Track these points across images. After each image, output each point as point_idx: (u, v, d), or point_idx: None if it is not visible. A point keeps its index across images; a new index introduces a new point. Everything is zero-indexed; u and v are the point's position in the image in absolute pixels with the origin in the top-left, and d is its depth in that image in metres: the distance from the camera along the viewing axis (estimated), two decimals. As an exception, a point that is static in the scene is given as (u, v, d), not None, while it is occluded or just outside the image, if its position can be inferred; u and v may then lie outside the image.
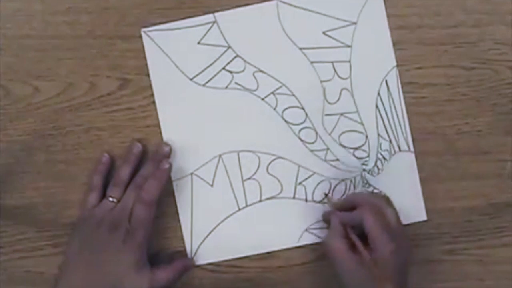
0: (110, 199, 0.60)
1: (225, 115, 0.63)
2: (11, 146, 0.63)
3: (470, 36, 0.62)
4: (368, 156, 0.63)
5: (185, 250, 0.63)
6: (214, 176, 0.63)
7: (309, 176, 0.63)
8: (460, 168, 0.63)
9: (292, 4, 0.62)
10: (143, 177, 0.60)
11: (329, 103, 0.63)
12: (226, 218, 0.63)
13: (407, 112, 0.63)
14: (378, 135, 0.63)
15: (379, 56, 0.63)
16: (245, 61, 0.63)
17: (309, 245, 0.63)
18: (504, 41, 0.62)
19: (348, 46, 0.63)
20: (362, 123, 0.63)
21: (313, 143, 0.63)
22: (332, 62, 0.63)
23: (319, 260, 0.63)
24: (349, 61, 0.63)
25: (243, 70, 0.63)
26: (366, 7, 0.62)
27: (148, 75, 0.63)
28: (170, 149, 0.62)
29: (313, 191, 0.63)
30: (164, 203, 0.62)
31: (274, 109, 0.63)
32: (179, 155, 0.63)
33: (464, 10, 0.62)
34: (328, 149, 0.63)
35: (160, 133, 0.63)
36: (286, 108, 0.63)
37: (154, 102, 0.63)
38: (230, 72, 0.63)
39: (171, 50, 0.63)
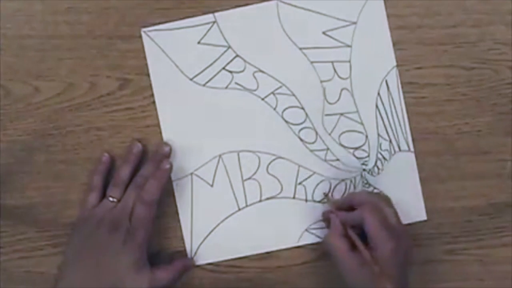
0: (110, 199, 0.60)
1: (225, 115, 0.63)
2: (11, 146, 0.63)
3: (470, 36, 0.62)
4: (368, 156, 0.63)
5: (185, 250, 0.63)
6: (214, 176, 0.63)
7: (309, 176, 0.63)
8: (460, 168, 0.63)
9: (292, 4, 0.62)
10: (143, 177, 0.60)
11: (329, 103, 0.63)
12: (226, 218, 0.63)
13: (407, 112, 0.63)
14: (378, 135, 0.63)
15: (379, 56, 0.63)
16: (245, 61, 0.63)
17: (309, 245, 0.63)
18: (504, 41, 0.62)
19: (348, 46, 0.63)
20: (362, 123, 0.63)
21: (313, 143, 0.63)
22: (332, 62, 0.63)
23: (319, 260, 0.63)
24: (349, 61, 0.63)
25: (243, 70, 0.63)
26: (366, 7, 0.62)
27: (148, 75, 0.63)
28: (170, 149, 0.62)
29: (313, 191, 0.63)
30: (164, 203, 0.62)
31: (274, 109, 0.63)
32: (179, 155, 0.63)
33: (464, 10, 0.62)
34: (328, 149, 0.63)
35: (160, 133, 0.63)
36: (286, 108, 0.63)
37: (154, 102, 0.63)
38: (230, 72, 0.63)
39: (171, 50, 0.63)
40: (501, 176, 0.63)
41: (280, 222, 0.63)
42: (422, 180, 0.63)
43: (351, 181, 0.63)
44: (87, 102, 0.63)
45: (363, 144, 0.63)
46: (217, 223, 0.63)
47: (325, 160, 0.63)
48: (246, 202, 0.63)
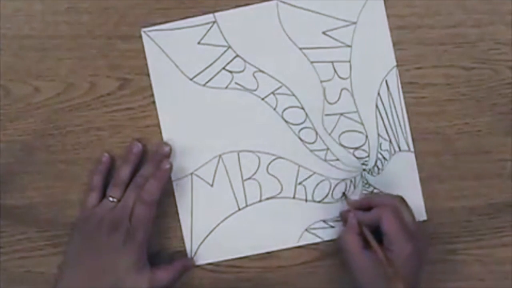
0: (110, 199, 0.60)
1: (225, 115, 0.63)
2: (11, 146, 0.63)
3: (470, 36, 0.62)
4: (368, 156, 0.63)
5: (185, 250, 0.63)
6: (214, 176, 0.63)
7: (309, 176, 0.63)
8: (460, 168, 0.63)
9: (292, 4, 0.62)
10: (144, 177, 0.60)
11: (329, 103, 0.63)
12: (226, 218, 0.63)
13: (407, 112, 0.63)
14: (378, 135, 0.63)
15: (379, 56, 0.63)
16: (245, 61, 0.63)
17: (309, 245, 0.63)
18: (504, 41, 0.62)
19: (348, 46, 0.63)
20: (362, 123, 0.63)
21: (313, 143, 0.63)
22: (332, 62, 0.63)
23: (319, 260, 0.63)
24: (349, 61, 0.63)
25: (243, 70, 0.63)
26: (366, 7, 0.62)
27: (148, 75, 0.63)
28: (170, 149, 0.62)
29: (313, 191, 0.63)
30: (164, 203, 0.62)
31: (274, 109, 0.63)
32: (179, 155, 0.63)
33: (464, 10, 0.62)
34: (328, 149, 0.63)
35: (160, 133, 0.63)
36: (286, 108, 0.63)
37: (154, 102, 0.63)
38: (230, 72, 0.63)
39: (171, 50, 0.63)
40: (501, 176, 0.63)
41: (280, 222, 0.63)
42: (422, 180, 0.63)
43: (351, 181, 0.63)
44: (87, 102, 0.63)
45: (363, 144, 0.63)
46: (217, 223, 0.63)
47: (325, 160, 0.63)
48: (246, 202, 0.63)
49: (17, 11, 0.63)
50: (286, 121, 0.63)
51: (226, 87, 0.63)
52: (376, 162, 0.63)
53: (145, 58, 0.63)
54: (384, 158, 0.63)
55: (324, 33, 0.63)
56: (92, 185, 0.61)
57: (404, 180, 0.63)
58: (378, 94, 0.63)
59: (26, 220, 0.63)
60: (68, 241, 0.60)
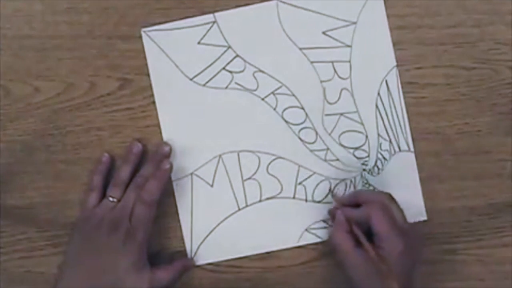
0: (110, 199, 0.60)
1: (225, 115, 0.63)
2: (11, 146, 0.63)
3: (470, 36, 0.62)
4: (368, 156, 0.63)
5: (185, 250, 0.63)
6: (214, 176, 0.63)
7: (309, 176, 0.63)
8: (460, 168, 0.63)
9: (292, 4, 0.62)
10: (144, 177, 0.60)
11: (329, 103, 0.63)
12: (226, 218, 0.63)
13: (407, 112, 0.63)
14: (378, 135, 0.63)
15: (379, 56, 0.63)
16: (245, 61, 0.63)
17: (309, 245, 0.63)
18: (504, 41, 0.62)
19: (348, 46, 0.63)
20: (362, 123, 0.63)
21: (313, 143, 0.63)
22: (332, 62, 0.63)
23: (319, 260, 0.63)
24: (349, 61, 0.63)
25: (243, 70, 0.63)
26: (366, 7, 0.62)
27: (148, 75, 0.63)
28: (170, 149, 0.62)
29: (313, 191, 0.63)
30: (164, 203, 0.62)
31: (274, 109, 0.63)
32: (179, 155, 0.63)
33: (464, 10, 0.62)
34: (328, 149, 0.63)
35: (160, 133, 0.63)
36: (286, 108, 0.63)
37: (154, 102, 0.63)
38: (230, 72, 0.63)
39: (171, 50, 0.63)
40: (501, 176, 0.63)
41: (280, 222, 0.63)
42: (422, 180, 0.63)
43: (351, 181, 0.63)
44: (87, 102, 0.63)
45: (363, 144, 0.63)
46: (217, 223, 0.63)
47: (325, 160, 0.63)
48: (246, 202, 0.63)
49: (17, 11, 0.63)
50: (286, 121, 0.63)
51: (226, 87, 0.63)
52: (376, 162, 0.63)
53: (145, 58, 0.63)
54: (384, 158, 0.63)
55: (324, 33, 0.63)
56: (92, 185, 0.61)
57: (404, 180, 0.63)
58: (378, 94, 0.63)
59: (26, 220, 0.63)
60: (68, 241, 0.60)
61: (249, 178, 0.63)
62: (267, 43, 0.63)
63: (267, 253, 0.63)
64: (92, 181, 0.62)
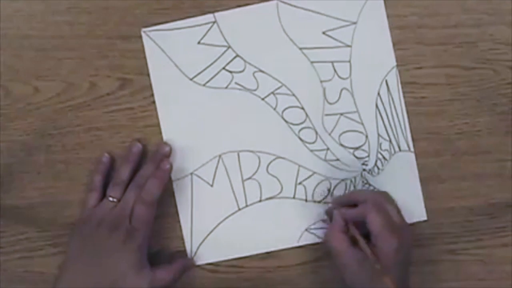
0: (110, 199, 0.60)
1: (225, 115, 0.63)
2: (11, 146, 0.63)
3: (470, 36, 0.62)
4: (368, 156, 0.63)
5: (185, 250, 0.63)
6: (214, 176, 0.63)
7: (309, 176, 0.63)
8: (460, 168, 0.63)
9: (292, 4, 0.62)
10: (144, 177, 0.60)
11: (329, 103, 0.63)
12: (226, 218, 0.63)
13: (407, 112, 0.63)
14: (378, 135, 0.63)
15: (379, 56, 0.63)
16: (245, 61, 0.63)
17: (309, 245, 0.63)
18: (504, 41, 0.62)
19: (348, 46, 0.63)
20: (362, 123, 0.63)
21: (313, 143, 0.63)
22: (332, 62, 0.63)
23: (319, 260, 0.63)
24: (349, 61, 0.63)
25: (243, 70, 0.63)
26: (366, 7, 0.62)
27: (148, 75, 0.63)
28: (170, 149, 0.62)
29: (313, 191, 0.63)
30: (164, 203, 0.62)
31: (274, 109, 0.63)
32: (179, 155, 0.63)
33: (464, 10, 0.62)
34: (328, 149, 0.63)
35: (160, 133, 0.63)
36: (286, 108, 0.63)
37: (154, 102, 0.63)
38: (230, 72, 0.63)
39: (171, 50, 0.63)
40: (501, 176, 0.63)
41: (280, 222, 0.63)
42: (422, 180, 0.63)
43: (351, 181, 0.63)
44: (87, 102, 0.63)
45: (363, 144, 0.63)
46: (217, 223, 0.63)
47: (325, 160, 0.63)
48: (246, 202, 0.63)
49: (17, 11, 0.63)
50: (286, 121, 0.63)
51: (226, 87, 0.63)
52: (376, 162, 0.63)
53: (145, 58, 0.63)
54: (384, 158, 0.63)
55: (324, 33, 0.63)
56: (92, 185, 0.61)
57: (404, 180, 0.63)
58: (378, 94, 0.63)
59: (26, 220, 0.63)
60: (68, 241, 0.60)
61: (249, 178, 0.63)
62: (267, 43, 0.63)
63: (267, 253, 0.63)
64: (92, 181, 0.62)
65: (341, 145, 0.63)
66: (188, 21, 0.63)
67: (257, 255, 0.63)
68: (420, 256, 0.62)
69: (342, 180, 0.63)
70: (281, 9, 0.63)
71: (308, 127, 0.63)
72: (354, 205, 0.59)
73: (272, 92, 0.63)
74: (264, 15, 0.63)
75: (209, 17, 0.63)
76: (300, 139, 0.63)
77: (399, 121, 0.63)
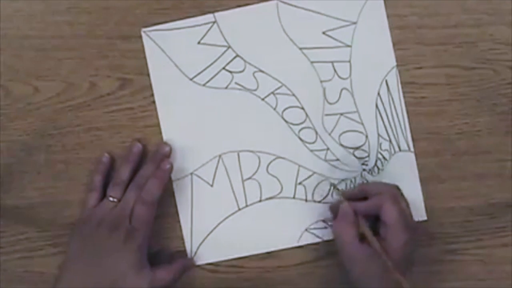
0: (111, 198, 0.60)
1: (225, 115, 0.63)
2: (11, 146, 0.63)
3: (470, 36, 0.62)
4: (368, 156, 0.63)
5: (185, 250, 0.63)
6: (214, 176, 0.63)
7: (309, 176, 0.63)
8: (460, 168, 0.63)
9: (292, 4, 0.62)
10: (144, 177, 0.60)
11: (329, 103, 0.63)
12: (226, 218, 0.63)
13: (407, 112, 0.63)
14: (378, 135, 0.63)
15: (379, 56, 0.63)
16: (245, 61, 0.63)
17: (309, 245, 0.63)
18: (504, 41, 0.62)
19: (348, 46, 0.63)
20: (362, 123, 0.63)
21: (313, 143, 0.63)
22: (332, 62, 0.63)
23: (319, 260, 0.63)
24: (349, 61, 0.63)
25: (243, 70, 0.63)
26: (366, 7, 0.62)
27: (148, 75, 0.63)
28: (170, 149, 0.62)
29: (313, 191, 0.63)
30: (164, 203, 0.62)
31: (274, 109, 0.63)
32: (179, 155, 0.63)
33: (464, 10, 0.62)
34: (328, 149, 0.63)
35: (160, 133, 0.63)
36: (286, 108, 0.63)
37: (154, 102, 0.63)
38: (230, 72, 0.63)
39: (171, 50, 0.63)
40: (501, 176, 0.63)
41: (280, 222, 0.63)
42: (422, 180, 0.63)
43: (351, 181, 0.63)
44: (87, 102, 0.63)
45: (363, 144, 0.63)
46: (217, 223, 0.63)
47: (325, 160, 0.63)
48: (246, 202, 0.63)
49: (17, 11, 0.63)
50: (286, 121, 0.63)
51: (226, 87, 0.63)
52: (376, 162, 0.63)
53: (145, 58, 0.63)
54: (384, 158, 0.63)
55: (324, 33, 0.63)
56: (92, 185, 0.61)
57: (404, 180, 0.63)
58: (378, 94, 0.63)
59: (26, 220, 0.63)
60: (68, 241, 0.60)
61: (249, 178, 0.63)
62: (267, 43, 0.63)
63: (267, 253, 0.63)
64: (92, 181, 0.62)
65: (341, 145, 0.63)
66: (188, 21, 0.63)
67: (257, 255, 0.63)
68: (420, 256, 0.62)
69: (342, 180, 0.63)
70: (281, 9, 0.63)
71: (308, 127, 0.63)
72: (363, 198, 0.58)
73: (272, 92, 0.63)
74: (264, 15, 0.63)
75: (209, 17, 0.63)
76: (300, 139, 0.63)
77: (399, 121, 0.63)
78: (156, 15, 0.62)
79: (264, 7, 0.63)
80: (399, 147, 0.63)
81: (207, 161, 0.63)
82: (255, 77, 0.63)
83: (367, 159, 0.63)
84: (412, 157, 0.63)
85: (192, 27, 0.63)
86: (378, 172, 0.63)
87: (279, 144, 0.63)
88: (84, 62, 0.63)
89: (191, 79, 0.63)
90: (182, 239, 0.63)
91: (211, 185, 0.63)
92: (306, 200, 0.63)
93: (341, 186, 0.63)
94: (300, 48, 0.63)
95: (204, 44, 0.63)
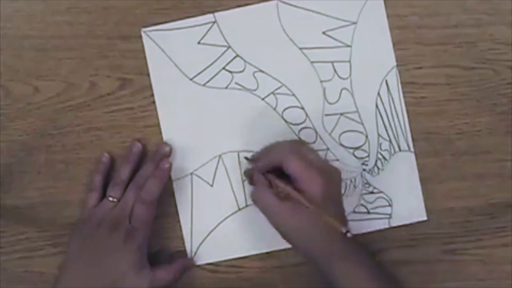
0: (110, 198, 0.60)
1: (225, 115, 0.63)
2: (11, 146, 0.63)
3: (470, 36, 0.62)
4: (368, 156, 0.63)
5: (185, 250, 0.63)
6: (214, 176, 0.63)
7: (309, 176, 0.63)
8: (460, 168, 0.63)
9: (292, 4, 0.62)
10: (143, 177, 0.60)
11: (329, 103, 0.63)
12: (226, 218, 0.63)
13: (407, 112, 0.63)
14: (378, 135, 0.63)
15: (379, 56, 0.63)
16: (245, 61, 0.63)
17: (309, 245, 0.63)
18: (504, 41, 0.62)
19: (348, 46, 0.63)
20: (362, 123, 0.63)
21: (313, 143, 0.63)
22: (332, 62, 0.63)
23: (319, 260, 0.63)
24: (349, 61, 0.63)
25: (243, 70, 0.63)
26: (366, 7, 0.62)
27: (148, 75, 0.63)
28: (170, 149, 0.62)
29: (313, 191, 0.63)
30: (164, 203, 0.62)
31: (274, 109, 0.63)
32: (179, 155, 0.63)
33: (464, 10, 0.62)
34: (328, 149, 0.63)
35: (160, 133, 0.63)
36: (286, 108, 0.63)
37: (154, 102, 0.63)
38: (230, 72, 0.63)
39: (171, 50, 0.63)
40: (501, 176, 0.63)
41: (280, 222, 0.63)
42: (422, 180, 0.63)
43: (351, 181, 0.63)
44: (87, 102, 0.63)
45: (363, 144, 0.63)
46: (217, 223, 0.63)
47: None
48: (246, 202, 0.63)
49: (17, 11, 0.63)
50: (286, 121, 0.63)
51: (226, 87, 0.63)
52: (376, 162, 0.63)
53: (145, 58, 0.63)
54: (384, 158, 0.63)
55: (324, 33, 0.63)
56: (92, 185, 0.61)
57: (404, 180, 0.63)
58: (378, 94, 0.63)
59: (26, 220, 0.63)
60: (68, 241, 0.60)
61: (249, 178, 0.63)
62: (267, 43, 0.63)
63: (267, 253, 0.63)
64: (92, 181, 0.62)
65: (341, 145, 0.63)
66: (188, 21, 0.63)
67: (257, 255, 0.63)
68: (420, 256, 0.62)
69: (342, 180, 0.63)
70: (281, 9, 0.63)
71: (308, 127, 0.63)
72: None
73: (272, 92, 0.63)
74: (264, 15, 0.63)
75: (209, 17, 0.63)
76: (300, 139, 0.63)
77: (399, 121, 0.63)
78: (156, 15, 0.62)
79: (264, 7, 0.63)
80: (399, 147, 0.63)
81: (207, 161, 0.63)
82: (255, 77, 0.63)
83: (367, 159, 0.63)
84: (412, 157, 0.63)
85: (192, 27, 0.63)
86: (378, 172, 0.63)
87: (279, 144, 0.63)
88: (84, 62, 0.63)
89: (191, 79, 0.63)
90: (182, 239, 0.63)
91: (211, 185, 0.63)
92: (306, 200, 0.63)
93: (341, 186, 0.63)
94: (300, 48, 0.63)
95: (204, 44, 0.63)
